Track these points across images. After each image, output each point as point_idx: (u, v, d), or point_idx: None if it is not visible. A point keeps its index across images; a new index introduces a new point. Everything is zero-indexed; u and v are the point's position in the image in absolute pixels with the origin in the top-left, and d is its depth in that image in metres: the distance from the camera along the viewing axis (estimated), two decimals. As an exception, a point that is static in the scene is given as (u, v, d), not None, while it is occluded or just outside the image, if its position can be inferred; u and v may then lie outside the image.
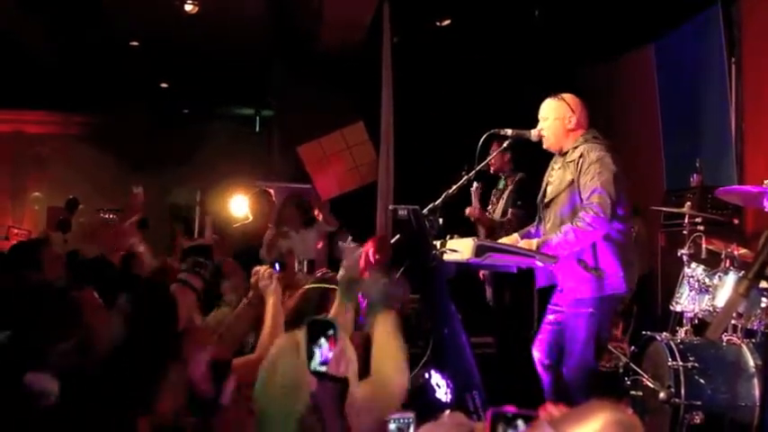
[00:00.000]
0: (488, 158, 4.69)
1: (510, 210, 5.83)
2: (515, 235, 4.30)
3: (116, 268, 4.12)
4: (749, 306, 4.12)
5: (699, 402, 3.92)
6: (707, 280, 4.45)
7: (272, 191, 7.46)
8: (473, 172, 4.16)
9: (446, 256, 3.84)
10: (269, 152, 10.82)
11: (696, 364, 4.00)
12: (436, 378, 3.95)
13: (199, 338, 2.72)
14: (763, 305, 4.09)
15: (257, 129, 12.62)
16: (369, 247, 6.34)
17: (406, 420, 2.08)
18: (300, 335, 2.28)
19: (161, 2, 7.92)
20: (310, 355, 2.06)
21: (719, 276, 4.37)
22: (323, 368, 2.06)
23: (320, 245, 7.18)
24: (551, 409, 1.57)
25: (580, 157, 4.01)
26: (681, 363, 3.99)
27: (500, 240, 4.35)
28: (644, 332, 4.45)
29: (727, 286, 4.29)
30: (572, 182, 4.01)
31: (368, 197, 8.08)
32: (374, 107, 7.80)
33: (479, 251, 3.74)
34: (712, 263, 4.57)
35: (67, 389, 2.38)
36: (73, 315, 2.95)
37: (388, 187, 7.61)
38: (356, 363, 2.42)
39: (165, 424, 2.31)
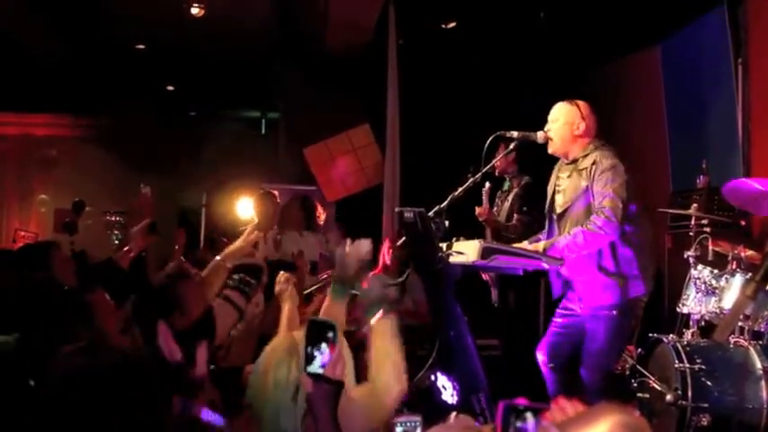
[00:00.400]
0: (494, 160, 4.69)
1: (515, 215, 5.82)
2: (525, 243, 4.30)
3: (125, 271, 4.12)
4: (756, 308, 4.12)
5: (706, 405, 3.90)
6: (713, 282, 4.44)
7: (276, 192, 7.46)
8: (479, 174, 4.17)
9: (452, 259, 3.85)
10: (275, 154, 10.83)
11: (703, 367, 3.99)
12: (442, 380, 3.96)
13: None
14: (770, 307, 4.09)
15: (263, 131, 12.64)
16: (385, 248, 6.36)
17: (412, 423, 2.07)
18: (298, 335, 2.29)
19: (167, 5, 7.93)
20: (309, 358, 2.05)
21: (726, 278, 4.37)
22: (319, 370, 2.06)
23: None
24: (564, 404, 1.56)
25: (593, 164, 4.01)
26: (688, 365, 3.98)
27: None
28: (650, 334, 4.44)
29: (733, 288, 4.29)
30: (586, 189, 4.02)
31: (374, 199, 8.08)
32: (380, 109, 7.80)
33: (485, 253, 3.75)
34: (719, 265, 4.56)
35: (76, 390, 2.38)
36: (84, 317, 2.97)
37: (394, 189, 7.61)
38: (351, 363, 2.43)
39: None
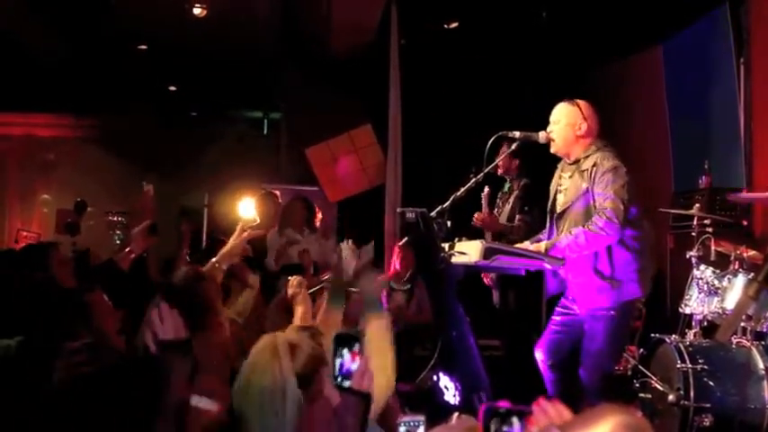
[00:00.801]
0: (496, 161, 4.69)
1: (517, 216, 5.82)
2: (526, 243, 4.30)
3: (125, 272, 4.12)
4: (759, 308, 4.12)
5: (708, 405, 3.90)
6: (716, 282, 4.44)
7: (277, 192, 7.46)
8: (481, 174, 4.17)
9: (454, 259, 3.85)
10: (277, 155, 10.84)
11: (705, 367, 3.99)
12: (444, 380, 3.96)
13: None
14: (772, 307, 4.09)
15: (265, 131, 12.63)
16: (395, 254, 6.40)
17: (415, 423, 2.08)
18: (280, 337, 2.28)
19: (169, 5, 7.93)
20: (337, 370, 2.08)
21: (728, 278, 4.36)
22: (347, 383, 2.07)
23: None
24: (546, 405, 1.57)
25: (593, 165, 4.01)
26: (690, 365, 3.98)
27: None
28: (653, 334, 4.44)
29: (736, 288, 4.29)
30: (586, 190, 4.02)
31: (376, 200, 8.08)
32: (382, 109, 7.80)
33: (487, 253, 3.75)
34: (721, 265, 4.56)
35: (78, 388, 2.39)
36: (84, 317, 2.97)
37: (396, 190, 7.60)
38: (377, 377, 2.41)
39: None
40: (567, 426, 1.46)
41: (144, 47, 9.58)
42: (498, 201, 6.08)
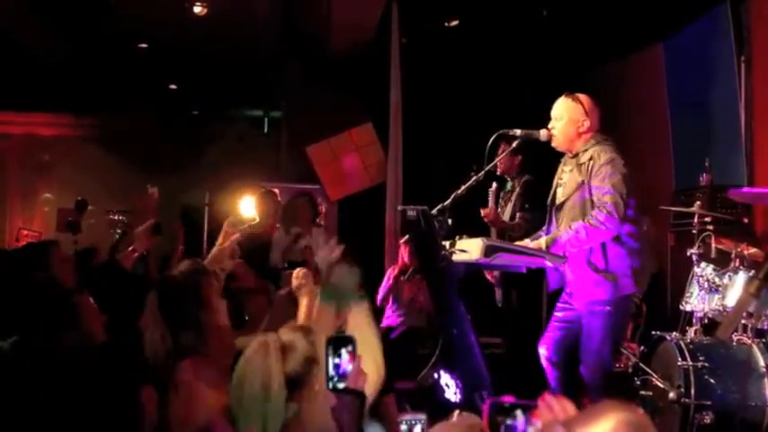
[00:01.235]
0: (497, 159, 4.69)
1: (518, 213, 5.82)
2: (526, 240, 4.30)
3: (128, 271, 4.13)
4: (760, 306, 4.12)
5: (709, 402, 3.91)
6: (717, 279, 4.44)
7: (276, 191, 7.46)
8: (482, 172, 4.17)
9: (455, 257, 3.85)
10: (277, 153, 10.84)
11: (706, 364, 3.99)
12: (445, 378, 3.97)
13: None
14: (773, 305, 4.09)
15: (266, 130, 12.63)
16: (403, 251, 6.42)
17: (416, 421, 2.09)
18: (271, 338, 2.28)
19: (169, 4, 7.93)
20: (330, 369, 2.09)
21: (729, 276, 4.37)
22: (342, 384, 2.08)
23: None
24: (551, 400, 1.57)
25: (590, 159, 4.01)
26: (691, 362, 3.98)
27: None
28: (653, 332, 4.44)
29: (736, 286, 4.29)
30: (582, 183, 4.02)
31: (376, 198, 8.08)
32: (383, 107, 7.80)
33: (488, 251, 3.75)
34: (722, 262, 4.56)
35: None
36: (71, 317, 2.99)
37: (397, 188, 7.61)
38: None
39: None
40: (570, 422, 1.47)
41: (144, 46, 9.58)
42: (501, 200, 6.08)
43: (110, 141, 11.04)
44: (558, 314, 4.28)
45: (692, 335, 4.47)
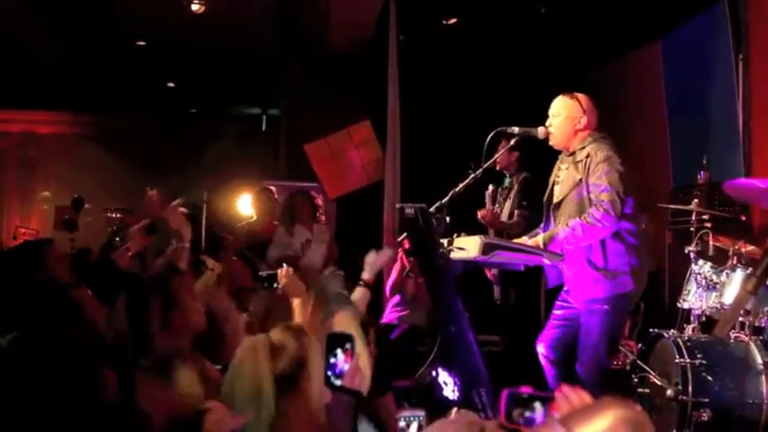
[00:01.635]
0: (495, 156, 4.69)
1: (516, 211, 5.83)
2: (524, 238, 4.31)
3: (122, 270, 4.12)
4: (757, 303, 4.12)
5: (706, 400, 3.92)
6: (714, 277, 4.45)
7: (273, 188, 7.46)
8: (480, 170, 4.17)
9: (453, 255, 3.85)
10: (276, 151, 10.84)
11: (704, 362, 4.00)
12: (444, 376, 3.97)
13: None
14: (771, 302, 4.09)
15: (264, 128, 12.64)
16: (401, 250, 6.41)
17: (414, 418, 2.09)
18: (262, 338, 2.28)
19: (168, 2, 7.93)
20: (328, 367, 2.09)
21: (727, 273, 4.37)
22: (338, 381, 2.08)
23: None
24: (568, 392, 1.57)
25: (587, 156, 4.02)
26: (688, 360, 3.99)
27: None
28: (651, 329, 4.45)
29: (734, 283, 4.30)
30: (580, 181, 4.02)
31: (374, 195, 8.08)
32: (381, 105, 7.80)
33: (486, 249, 3.76)
34: (720, 260, 4.56)
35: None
36: (73, 313, 2.98)
37: (395, 185, 7.61)
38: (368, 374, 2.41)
39: None
40: (568, 419, 1.47)
41: (142, 43, 9.58)
42: (499, 197, 6.09)
43: (108, 139, 11.04)
44: (556, 312, 4.29)
45: (690, 332, 4.48)
